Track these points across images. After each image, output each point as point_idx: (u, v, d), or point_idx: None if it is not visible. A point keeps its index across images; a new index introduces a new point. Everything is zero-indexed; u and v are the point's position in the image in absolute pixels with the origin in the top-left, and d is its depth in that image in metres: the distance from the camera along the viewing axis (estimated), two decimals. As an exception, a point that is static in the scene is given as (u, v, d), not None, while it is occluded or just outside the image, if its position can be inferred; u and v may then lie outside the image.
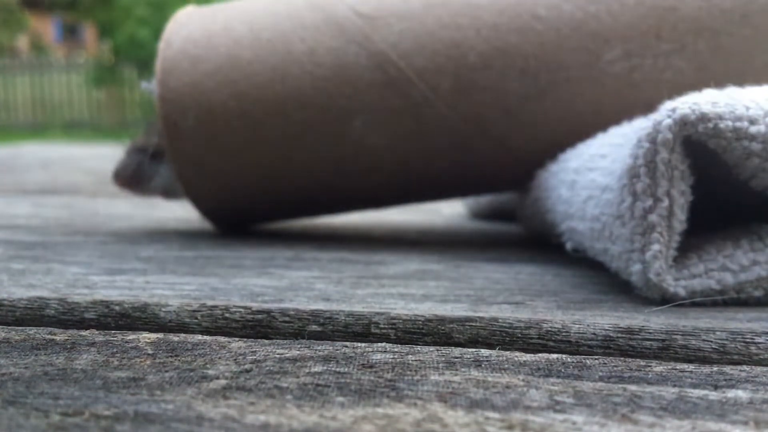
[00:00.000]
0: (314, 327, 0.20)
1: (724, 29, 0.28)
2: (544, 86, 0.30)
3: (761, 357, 0.18)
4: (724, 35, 0.28)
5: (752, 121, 0.20)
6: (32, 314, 0.22)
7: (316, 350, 0.19)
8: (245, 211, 0.36)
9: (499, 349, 0.19)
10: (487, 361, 0.18)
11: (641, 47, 0.29)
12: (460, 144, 0.31)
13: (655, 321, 0.20)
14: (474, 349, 0.19)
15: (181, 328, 0.21)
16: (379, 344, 0.19)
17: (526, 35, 0.29)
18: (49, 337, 0.20)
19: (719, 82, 0.24)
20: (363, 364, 0.18)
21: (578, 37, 0.29)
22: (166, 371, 0.17)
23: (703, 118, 0.20)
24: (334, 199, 0.35)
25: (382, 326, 0.20)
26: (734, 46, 0.28)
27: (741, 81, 0.26)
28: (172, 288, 0.24)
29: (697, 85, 0.24)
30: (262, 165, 0.33)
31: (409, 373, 0.17)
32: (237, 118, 0.32)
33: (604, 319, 0.20)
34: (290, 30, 0.31)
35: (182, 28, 0.33)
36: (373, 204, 0.36)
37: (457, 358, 0.18)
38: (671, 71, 0.29)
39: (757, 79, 0.27)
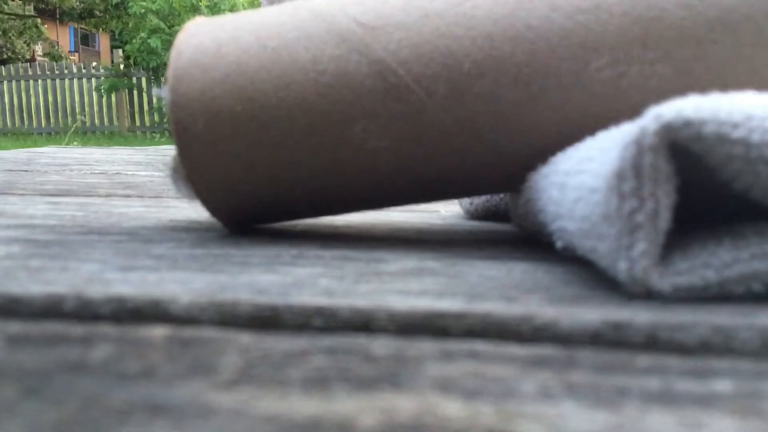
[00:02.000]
0: (318, 321, 0.21)
1: (708, 38, 0.29)
2: (536, 93, 0.30)
3: (743, 350, 0.19)
4: (708, 43, 0.29)
5: (735, 126, 0.21)
6: (49, 309, 0.22)
7: (319, 343, 0.19)
8: (252, 211, 0.36)
9: (493, 342, 0.19)
10: (481, 353, 0.19)
11: (628, 55, 0.29)
12: (456, 148, 0.32)
13: (641, 316, 0.20)
14: (469, 342, 0.19)
15: (192, 322, 0.21)
16: (380, 338, 0.20)
17: (519, 44, 0.30)
18: (65, 331, 0.20)
19: (703, 88, 0.25)
20: (364, 357, 0.18)
21: (568, 45, 0.30)
22: (177, 364, 0.18)
23: (688, 123, 0.21)
24: (337, 200, 0.35)
25: (382, 320, 0.21)
26: (717, 54, 0.29)
27: (724, 87, 0.26)
28: (183, 284, 0.24)
29: (681, 91, 0.25)
30: (267, 167, 0.33)
31: (407, 364, 0.18)
32: (244, 123, 0.32)
33: (593, 313, 0.21)
34: (295, 39, 0.32)
35: (192, 38, 0.34)
36: (374, 204, 0.37)
37: (453, 350, 0.19)
38: (657, 78, 0.29)
39: (739, 86, 0.27)
